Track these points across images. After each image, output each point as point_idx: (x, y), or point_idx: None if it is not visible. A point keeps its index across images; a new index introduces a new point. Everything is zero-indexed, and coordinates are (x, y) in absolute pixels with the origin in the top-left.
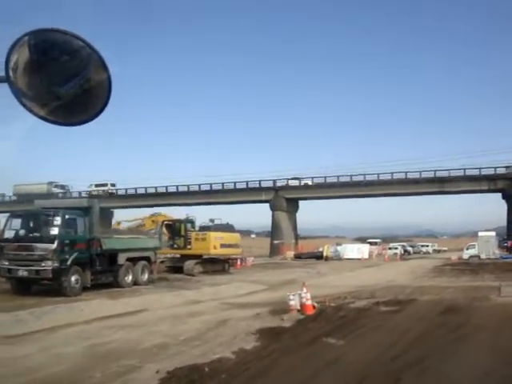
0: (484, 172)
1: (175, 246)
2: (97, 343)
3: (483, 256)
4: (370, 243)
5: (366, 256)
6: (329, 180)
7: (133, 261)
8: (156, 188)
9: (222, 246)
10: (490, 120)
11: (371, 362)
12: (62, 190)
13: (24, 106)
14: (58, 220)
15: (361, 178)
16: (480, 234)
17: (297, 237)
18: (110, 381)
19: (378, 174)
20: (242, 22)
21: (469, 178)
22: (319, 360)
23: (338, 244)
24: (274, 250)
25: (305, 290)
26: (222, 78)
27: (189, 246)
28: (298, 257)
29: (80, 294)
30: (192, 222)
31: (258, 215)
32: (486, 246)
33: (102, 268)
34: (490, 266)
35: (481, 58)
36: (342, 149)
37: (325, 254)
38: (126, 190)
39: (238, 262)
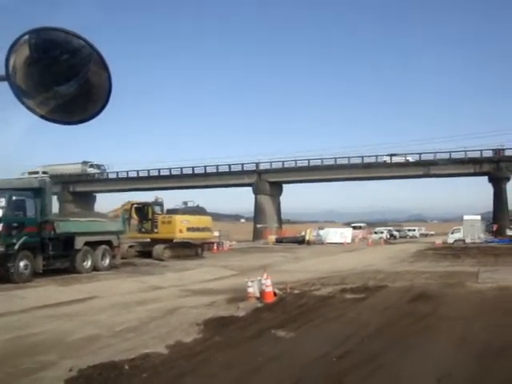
0: (470, 155)
1: (143, 229)
2: (22, 335)
3: (468, 240)
4: (354, 227)
5: (349, 240)
6: (312, 163)
7: (92, 245)
8: (138, 172)
9: (189, 229)
10: (476, 105)
11: (317, 359)
12: (97, 171)
13: (24, 104)
14: (2, 201)
15: (345, 161)
16: (465, 217)
17: (281, 221)
18: (15, 380)
19: (363, 157)
20: None
21: (454, 161)
22: (260, 356)
23: (321, 228)
24: (257, 235)
25: (265, 276)
26: (205, 60)
27: (156, 230)
28: (279, 241)
29: (30, 281)
30: (160, 205)
31: (248, 200)
32: (472, 230)
33: (55, 253)
34: (473, 250)
35: (469, 42)
36: (326, 133)
37: (307, 239)
38: (118, 173)
39: (215, 247)
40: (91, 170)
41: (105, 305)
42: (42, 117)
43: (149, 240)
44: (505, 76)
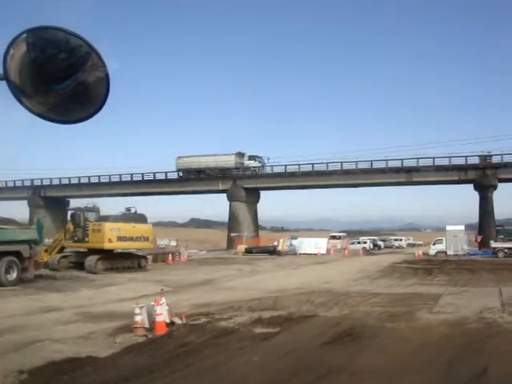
0: (454, 162)
1: (75, 238)
2: None
3: (450, 252)
4: (333, 237)
5: (324, 251)
6: (289, 169)
7: None
8: (110, 177)
9: (121, 238)
10: (460, 112)
11: None
12: (256, 164)
13: (22, 103)
14: None
15: (323, 168)
16: (448, 228)
17: (258, 229)
18: None
19: (342, 163)
20: None
21: (438, 167)
22: None
23: (294, 237)
24: (231, 243)
25: (163, 299)
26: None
27: (87, 239)
28: (248, 251)
29: None
30: (95, 211)
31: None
32: (454, 241)
33: None
34: (451, 264)
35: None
36: (305, 139)
37: (280, 248)
38: (89, 177)
39: (170, 257)
40: (252, 163)
41: None
42: (40, 115)
43: (86, 250)
44: (489, 82)
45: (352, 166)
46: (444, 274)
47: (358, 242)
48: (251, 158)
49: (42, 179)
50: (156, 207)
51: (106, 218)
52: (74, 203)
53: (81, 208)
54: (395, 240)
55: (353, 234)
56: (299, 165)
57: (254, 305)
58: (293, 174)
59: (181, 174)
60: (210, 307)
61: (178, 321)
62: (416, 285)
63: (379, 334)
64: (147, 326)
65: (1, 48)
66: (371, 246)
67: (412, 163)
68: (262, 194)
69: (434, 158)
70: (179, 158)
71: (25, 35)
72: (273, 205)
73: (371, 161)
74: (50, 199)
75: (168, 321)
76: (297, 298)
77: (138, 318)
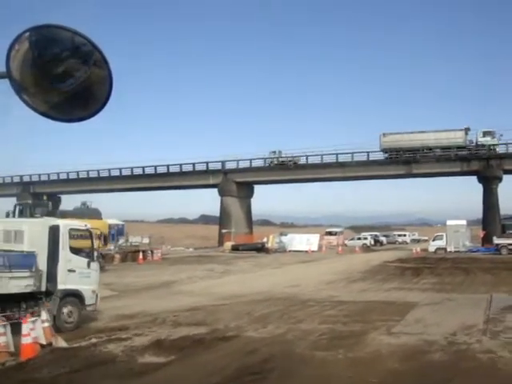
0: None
1: None
2: None
3: (451, 248)
4: (330, 233)
5: (315, 248)
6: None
7: None
8: (99, 172)
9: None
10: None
11: None
12: (494, 141)
13: (24, 101)
14: None
15: (318, 160)
16: (448, 222)
17: (251, 225)
18: None
19: (337, 155)
20: None
21: (439, 158)
22: None
23: (283, 234)
24: (222, 240)
25: (44, 314)
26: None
27: None
28: (235, 248)
29: None
30: (44, 206)
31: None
32: (455, 237)
33: None
34: (447, 262)
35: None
36: (300, 132)
37: (269, 246)
38: (78, 172)
39: (140, 256)
40: (487, 141)
41: None
42: (43, 114)
43: None
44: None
45: (348, 158)
46: (434, 275)
47: (359, 238)
48: (486, 133)
49: (30, 175)
50: (162, 202)
51: (63, 214)
52: (66, 200)
53: (28, 203)
54: (399, 236)
55: (362, 229)
56: (293, 157)
57: (184, 317)
58: (286, 167)
59: (386, 155)
60: (134, 319)
61: (60, 342)
62: (394, 290)
63: (299, 372)
64: (12, 349)
65: (4, 46)
66: (372, 242)
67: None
68: (270, 188)
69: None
70: (384, 135)
71: (27, 33)
72: (281, 200)
73: (367, 152)
74: (39, 196)
75: (45, 342)
76: (241, 308)
77: (1, 340)
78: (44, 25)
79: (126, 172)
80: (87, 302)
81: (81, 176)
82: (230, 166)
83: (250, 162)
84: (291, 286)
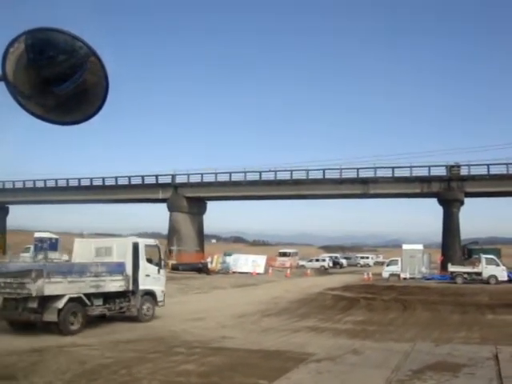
0: (416, 173)
1: None
2: None
3: (405, 275)
4: (284, 254)
5: (261, 270)
6: (235, 177)
7: None
8: (45, 181)
9: None
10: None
11: None
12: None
13: (20, 104)
14: None
15: (271, 177)
16: (404, 247)
17: (203, 243)
18: None
19: (292, 171)
20: None
21: (398, 178)
22: None
23: (228, 254)
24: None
25: None
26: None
27: None
28: (175, 268)
29: None
30: None
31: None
32: (411, 263)
33: None
34: (392, 292)
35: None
36: (253, 147)
37: (213, 266)
38: (24, 182)
39: None
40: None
41: None
42: (39, 117)
43: None
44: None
45: (302, 176)
46: (366, 309)
47: (317, 260)
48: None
49: None
50: (117, 217)
51: None
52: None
53: None
54: (361, 258)
55: (333, 249)
56: (245, 172)
57: None
58: (238, 183)
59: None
60: None
61: None
62: (305, 331)
63: None
64: None
65: None
66: (330, 265)
67: (369, 173)
68: (247, 204)
69: (393, 168)
70: None
71: (23, 37)
72: (255, 217)
73: (323, 169)
74: None
75: None
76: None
77: None
78: (40, 28)
79: (73, 183)
80: (158, 299)
81: (27, 186)
82: (180, 179)
83: (202, 177)
84: (194, 319)
